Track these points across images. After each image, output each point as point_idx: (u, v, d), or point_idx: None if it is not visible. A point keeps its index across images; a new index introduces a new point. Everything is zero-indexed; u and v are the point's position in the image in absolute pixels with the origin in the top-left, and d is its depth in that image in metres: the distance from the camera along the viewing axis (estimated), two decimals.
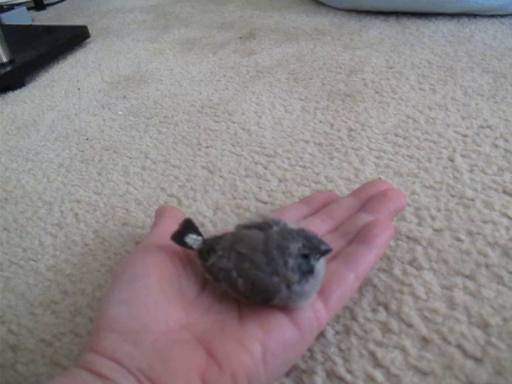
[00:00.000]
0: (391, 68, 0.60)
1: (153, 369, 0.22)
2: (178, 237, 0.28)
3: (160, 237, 0.31)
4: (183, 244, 0.28)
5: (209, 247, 0.27)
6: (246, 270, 0.25)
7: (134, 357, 0.22)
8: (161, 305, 0.25)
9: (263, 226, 0.26)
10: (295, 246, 0.24)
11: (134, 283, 0.26)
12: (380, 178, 0.40)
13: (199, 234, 0.29)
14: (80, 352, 0.29)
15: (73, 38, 0.85)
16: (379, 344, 0.27)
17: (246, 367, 0.23)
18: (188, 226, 0.29)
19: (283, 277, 0.24)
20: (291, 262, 0.24)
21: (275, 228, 0.26)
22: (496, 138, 0.43)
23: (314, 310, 0.25)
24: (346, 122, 0.50)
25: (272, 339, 0.24)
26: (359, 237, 0.28)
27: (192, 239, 0.28)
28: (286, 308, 0.25)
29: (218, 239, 0.27)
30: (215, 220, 0.39)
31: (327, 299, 0.26)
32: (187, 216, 0.40)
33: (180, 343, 0.24)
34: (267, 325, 0.24)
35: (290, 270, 0.24)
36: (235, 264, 0.25)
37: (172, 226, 0.32)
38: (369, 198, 0.32)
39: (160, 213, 0.34)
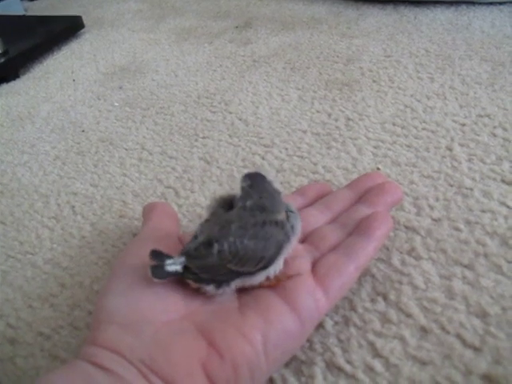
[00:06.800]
0: (389, 57, 0.60)
1: (154, 359, 0.22)
2: (160, 272, 0.25)
3: (155, 229, 0.31)
4: (168, 275, 0.25)
5: (204, 243, 0.25)
6: (254, 228, 0.25)
7: (135, 348, 0.22)
8: (159, 295, 0.25)
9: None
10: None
11: (131, 275, 0.26)
12: (378, 168, 0.40)
13: (169, 255, 0.25)
14: (79, 345, 0.29)
15: (67, 29, 0.84)
16: (378, 334, 0.27)
17: (246, 357, 0.23)
18: (157, 255, 0.25)
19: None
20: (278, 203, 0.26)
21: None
22: (494, 127, 0.43)
23: (314, 300, 0.25)
24: (343, 112, 0.49)
25: (273, 329, 0.24)
26: (359, 229, 0.28)
27: (172, 264, 0.25)
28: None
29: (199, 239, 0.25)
30: None
31: (328, 289, 0.26)
32: (186, 208, 0.40)
33: (180, 333, 0.23)
34: (268, 314, 0.24)
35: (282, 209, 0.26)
36: (239, 235, 0.25)
37: (165, 219, 0.32)
38: (366, 191, 0.32)
39: (151, 208, 0.34)
